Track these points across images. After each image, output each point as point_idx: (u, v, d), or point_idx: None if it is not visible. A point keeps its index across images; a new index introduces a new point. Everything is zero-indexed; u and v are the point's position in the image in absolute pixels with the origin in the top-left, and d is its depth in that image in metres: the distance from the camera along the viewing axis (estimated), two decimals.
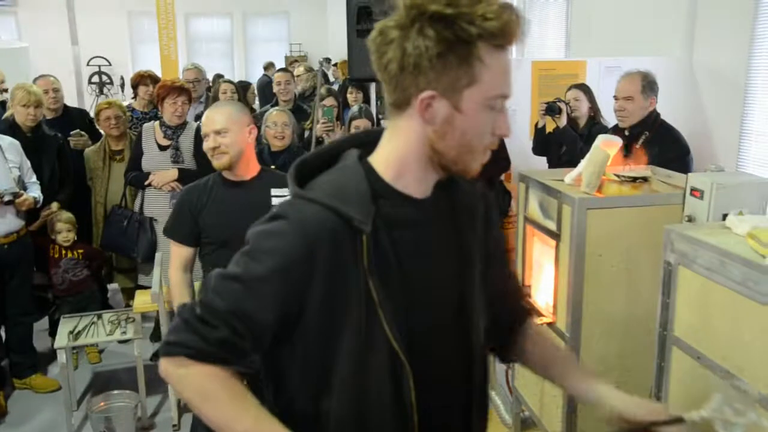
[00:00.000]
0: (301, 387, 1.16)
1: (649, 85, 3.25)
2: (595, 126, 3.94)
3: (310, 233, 1.07)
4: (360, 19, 4.29)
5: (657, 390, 1.86)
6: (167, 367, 1.13)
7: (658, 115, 3.31)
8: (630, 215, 2.28)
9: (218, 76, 6.10)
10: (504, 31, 1.04)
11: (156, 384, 3.49)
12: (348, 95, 5.39)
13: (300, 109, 4.86)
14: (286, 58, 13.03)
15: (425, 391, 1.15)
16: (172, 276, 2.48)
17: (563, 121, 3.78)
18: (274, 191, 2.43)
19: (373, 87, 4.74)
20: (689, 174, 2.22)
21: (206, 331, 1.09)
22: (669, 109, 4.55)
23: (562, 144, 3.85)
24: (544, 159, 4.15)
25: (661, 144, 3.05)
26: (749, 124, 4.13)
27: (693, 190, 2.11)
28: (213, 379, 1.11)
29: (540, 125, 4.00)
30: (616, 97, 3.32)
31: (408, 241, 1.14)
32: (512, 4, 1.07)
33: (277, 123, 3.70)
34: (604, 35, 5.90)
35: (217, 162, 2.40)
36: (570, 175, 2.52)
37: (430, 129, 1.09)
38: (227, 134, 2.39)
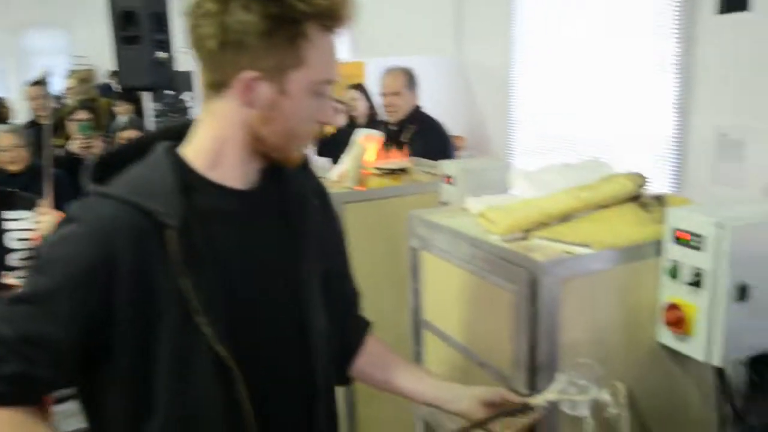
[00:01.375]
0: (117, 412, 1.02)
1: (412, 80, 3.38)
2: (374, 123, 4.02)
3: (106, 233, 0.96)
4: (126, 25, 4.02)
5: None
6: None
7: (420, 108, 3.45)
8: (390, 206, 2.31)
9: None
10: (334, 11, 0.99)
11: None
12: (115, 108, 5.06)
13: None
14: (72, 71, 12.06)
15: (264, 399, 1.06)
16: None
17: (342, 120, 3.81)
18: (5, 214, 2.16)
19: (148, 96, 4.45)
20: (443, 162, 2.29)
21: None
22: (445, 104, 4.79)
23: (345, 144, 3.88)
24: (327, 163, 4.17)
25: (426, 137, 3.17)
26: (514, 115, 4.46)
27: (446, 177, 2.17)
28: (9, 427, 0.95)
29: None
30: (384, 94, 3.40)
31: (228, 236, 1.04)
32: None
33: (6, 148, 3.24)
34: (385, 37, 6.10)
35: None
36: (334, 171, 2.52)
37: (252, 113, 1.01)
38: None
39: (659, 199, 1.61)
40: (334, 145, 3.98)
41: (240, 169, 1.07)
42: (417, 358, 1.83)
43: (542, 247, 1.41)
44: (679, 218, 1.37)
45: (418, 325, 1.80)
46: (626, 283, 1.39)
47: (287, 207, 1.13)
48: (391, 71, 3.42)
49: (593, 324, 1.37)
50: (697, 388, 1.48)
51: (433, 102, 4.66)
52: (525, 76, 4.37)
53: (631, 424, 1.38)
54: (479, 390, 1.26)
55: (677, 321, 1.36)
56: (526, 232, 1.53)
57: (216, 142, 1.04)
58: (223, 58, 0.97)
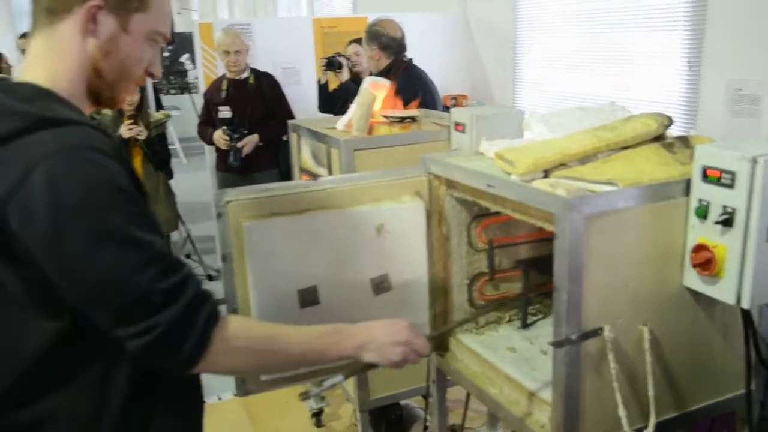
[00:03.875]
0: None
1: (374, 39, 3.46)
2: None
3: (109, 149, 1.00)
4: None
5: None
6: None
7: (402, 62, 3.44)
8: (399, 154, 2.24)
9: None
10: None
11: None
12: None
13: None
14: None
15: None
16: None
17: (344, 75, 3.73)
18: None
19: None
20: (452, 109, 2.22)
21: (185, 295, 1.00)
22: (448, 62, 4.69)
23: (346, 99, 3.80)
24: (330, 116, 4.09)
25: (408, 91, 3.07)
26: (520, 72, 4.36)
27: (456, 124, 2.10)
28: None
29: (322, 82, 3.91)
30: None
31: None
32: None
33: None
34: None
35: None
36: (341, 120, 2.44)
37: (93, 44, 1.04)
38: None
39: (683, 140, 1.54)
40: (335, 100, 3.90)
41: (84, 105, 1.09)
42: None
43: (564, 185, 1.35)
44: (708, 155, 1.30)
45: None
46: (652, 223, 1.33)
47: None
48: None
49: (617, 264, 1.31)
50: (723, 333, 1.43)
51: (435, 59, 4.56)
52: (530, 32, 4.26)
53: (654, 368, 1.34)
54: None
55: (705, 262, 1.30)
56: (546, 172, 1.47)
57: (66, 70, 1.04)
58: None
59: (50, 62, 1.04)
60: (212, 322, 1.02)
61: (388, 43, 3.44)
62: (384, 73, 3.30)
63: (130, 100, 3.70)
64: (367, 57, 3.47)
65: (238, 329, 1.07)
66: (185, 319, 0.98)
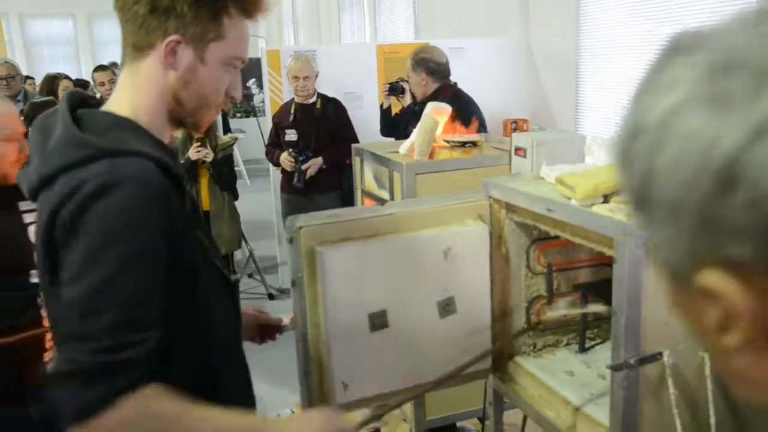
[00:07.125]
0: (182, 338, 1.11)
1: (420, 64, 3.51)
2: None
3: (163, 192, 1.04)
4: None
5: None
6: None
7: (448, 86, 3.49)
8: (460, 178, 2.29)
9: (53, 77, 5.66)
10: None
11: None
12: None
13: None
14: None
15: None
16: None
17: (407, 100, 3.80)
18: (23, 205, 2.09)
19: None
20: (513, 134, 2.25)
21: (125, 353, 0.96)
22: (509, 87, 4.72)
23: (408, 123, 3.87)
24: (392, 140, 4.16)
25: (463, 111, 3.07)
26: (582, 98, 4.35)
27: (517, 149, 2.12)
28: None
29: (385, 106, 4.00)
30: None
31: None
32: None
33: None
34: (448, 19, 6.05)
35: None
36: (404, 145, 2.50)
37: (173, 75, 1.11)
38: None
39: None
40: (398, 124, 3.98)
41: (165, 130, 1.17)
42: None
43: (624, 210, 1.37)
44: None
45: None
46: None
47: None
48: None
49: None
50: None
51: (496, 84, 4.61)
52: (593, 57, 4.25)
53: (716, 396, 1.32)
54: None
55: None
56: (606, 197, 1.49)
57: (150, 102, 1.12)
58: (152, 22, 1.07)
59: (134, 93, 1.12)
60: (121, 392, 0.95)
61: (435, 69, 3.50)
62: (431, 98, 3.35)
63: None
64: (414, 83, 3.52)
65: (139, 413, 0.97)
66: (102, 374, 0.94)
